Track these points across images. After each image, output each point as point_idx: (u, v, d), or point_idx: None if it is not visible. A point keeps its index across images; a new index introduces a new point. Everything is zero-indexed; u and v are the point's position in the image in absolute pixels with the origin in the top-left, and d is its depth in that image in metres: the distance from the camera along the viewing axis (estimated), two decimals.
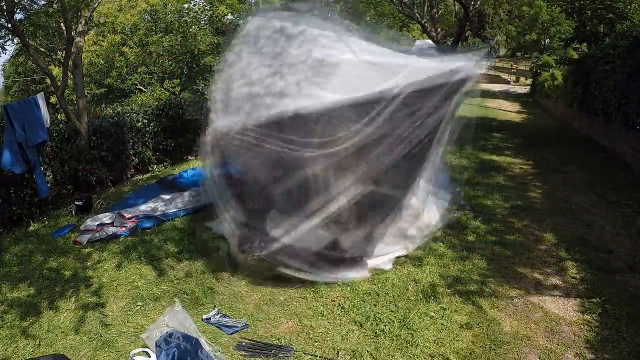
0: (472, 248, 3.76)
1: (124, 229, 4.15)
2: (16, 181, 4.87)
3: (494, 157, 7.32)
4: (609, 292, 3.05)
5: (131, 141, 6.50)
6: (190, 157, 7.88)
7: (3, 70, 30.08)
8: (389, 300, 2.98)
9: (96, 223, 4.25)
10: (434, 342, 2.54)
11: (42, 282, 3.33)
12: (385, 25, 17.50)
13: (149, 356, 2.42)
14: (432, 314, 2.81)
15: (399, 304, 2.92)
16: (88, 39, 11.55)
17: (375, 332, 2.64)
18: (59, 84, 5.72)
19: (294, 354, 2.46)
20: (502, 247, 3.80)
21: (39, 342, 2.62)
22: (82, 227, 4.23)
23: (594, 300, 2.93)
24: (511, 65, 38.37)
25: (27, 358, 2.46)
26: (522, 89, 25.30)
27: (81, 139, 5.66)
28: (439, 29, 11.57)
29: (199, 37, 7.60)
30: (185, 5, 10.76)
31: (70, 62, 5.69)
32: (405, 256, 3.60)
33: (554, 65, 16.60)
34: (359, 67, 3.39)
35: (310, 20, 3.47)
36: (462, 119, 3.96)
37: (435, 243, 3.84)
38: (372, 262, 3.44)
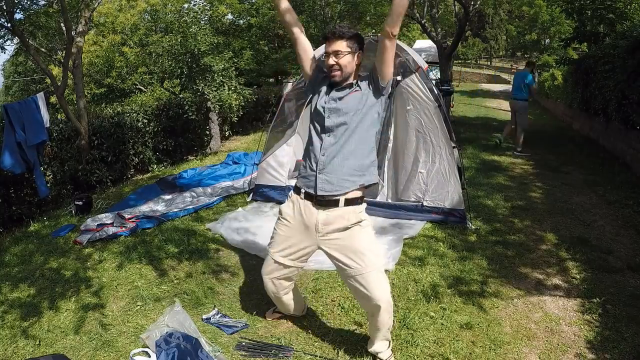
0: (473, 248, 3.76)
1: (124, 229, 4.15)
2: (16, 181, 4.87)
3: (495, 157, 7.33)
4: (609, 292, 3.05)
5: (131, 141, 6.50)
6: (190, 157, 7.88)
7: (3, 70, 30.11)
8: None
9: (96, 223, 4.25)
10: (434, 342, 2.54)
11: (42, 282, 3.33)
12: None
13: (149, 356, 2.42)
14: (432, 314, 2.81)
15: (399, 304, 2.92)
16: (88, 39, 11.56)
17: None
18: (59, 84, 5.72)
19: (294, 354, 2.46)
20: (504, 247, 3.80)
21: (39, 342, 2.62)
22: (82, 227, 4.23)
23: (594, 300, 2.93)
24: (511, 66, 38.41)
25: (27, 358, 2.45)
26: None
27: (81, 139, 5.66)
28: (439, 29, 11.55)
29: (199, 37, 7.57)
30: (185, 5, 10.76)
31: (70, 62, 5.69)
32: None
33: (554, 65, 16.60)
34: None
35: None
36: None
37: (436, 243, 3.84)
38: None
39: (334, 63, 2.06)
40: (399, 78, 4.29)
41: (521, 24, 37.30)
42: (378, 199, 4.43)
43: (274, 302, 2.64)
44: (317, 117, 2.16)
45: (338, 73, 2.07)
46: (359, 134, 2.10)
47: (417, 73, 4.22)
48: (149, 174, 6.81)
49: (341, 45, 2.05)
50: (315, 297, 3.04)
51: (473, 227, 4.16)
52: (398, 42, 4.58)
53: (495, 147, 8.09)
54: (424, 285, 3.16)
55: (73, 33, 5.68)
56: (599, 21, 10.03)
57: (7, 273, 3.52)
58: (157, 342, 2.43)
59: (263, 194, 4.94)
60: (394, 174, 4.50)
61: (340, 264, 2.16)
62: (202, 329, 2.68)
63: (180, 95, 8.30)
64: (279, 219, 2.35)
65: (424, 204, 4.30)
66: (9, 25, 5.42)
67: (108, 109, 7.86)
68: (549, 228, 4.21)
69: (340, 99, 2.11)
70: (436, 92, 4.27)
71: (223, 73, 7.84)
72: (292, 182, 4.82)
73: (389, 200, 4.46)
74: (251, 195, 5.03)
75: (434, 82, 4.59)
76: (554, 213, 4.62)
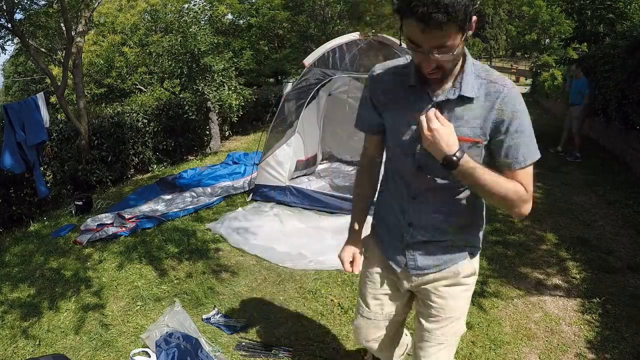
0: None
1: (124, 229, 4.16)
2: (16, 181, 4.88)
3: None
4: (609, 292, 3.05)
5: (131, 141, 6.50)
6: (190, 157, 7.88)
7: (3, 70, 30.12)
8: None
9: (96, 223, 4.25)
10: None
11: (42, 282, 3.33)
12: (385, 25, 17.49)
13: (149, 356, 2.42)
14: None
15: None
16: (88, 39, 11.56)
17: None
18: (59, 84, 5.73)
19: (294, 354, 2.46)
20: (504, 247, 3.80)
21: (39, 342, 2.62)
22: (82, 227, 4.23)
23: (594, 300, 2.93)
24: (511, 66, 38.41)
25: (27, 358, 2.46)
26: (522, 89, 25.33)
27: (81, 139, 5.67)
28: None
29: (199, 37, 7.58)
30: (185, 5, 10.77)
31: (70, 62, 5.70)
32: None
33: (554, 65, 16.60)
34: None
35: None
36: None
37: None
38: None
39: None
40: None
41: (521, 24, 37.34)
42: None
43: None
44: None
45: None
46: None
47: None
48: (148, 174, 6.81)
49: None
50: (315, 297, 3.04)
51: None
52: (397, 41, 4.58)
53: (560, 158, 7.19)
54: None
55: (73, 33, 5.69)
56: (599, 21, 10.04)
57: (7, 273, 3.53)
58: (157, 342, 2.43)
59: (263, 193, 4.94)
60: None
61: None
62: (202, 329, 2.68)
63: (180, 95, 8.30)
64: None
65: None
66: (9, 25, 5.42)
67: (108, 109, 7.87)
68: (549, 228, 4.21)
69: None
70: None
71: (223, 73, 7.84)
72: (292, 182, 4.83)
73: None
74: (251, 195, 5.03)
75: None
76: (554, 213, 4.62)
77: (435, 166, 1.30)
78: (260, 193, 4.96)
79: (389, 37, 4.69)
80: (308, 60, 4.56)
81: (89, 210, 4.89)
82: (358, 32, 4.82)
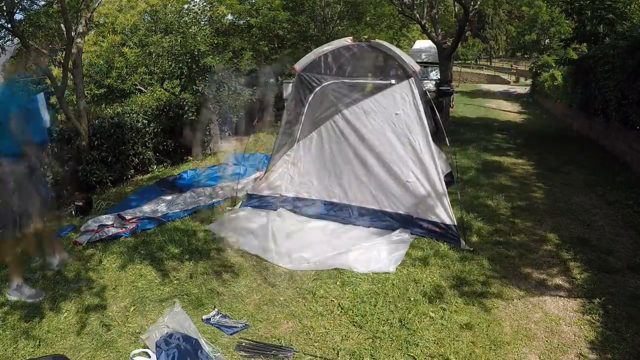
0: (475, 249, 3.75)
1: (124, 229, 4.15)
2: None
3: (496, 158, 7.33)
4: (610, 292, 3.05)
5: (131, 141, 6.51)
6: (190, 158, 7.89)
7: (3, 70, 30.12)
8: (389, 300, 2.98)
9: (97, 224, 4.25)
10: (434, 343, 2.54)
11: (43, 282, 3.33)
12: (385, 25, 17.49)
13: (149, 357, 2.43)
14: (432, 314, 2.81)
15: (399, 304, 2.92)
16: (88, 40, 11.56)
17: (375, 333, 2.64)
18: (59, 84, 5.73)
19: (294, 354, 2.46)
20: (505, 247, 3.79)
21: (39, 342, 2.62)
22: (82, 228, 4.23)
23: (595, 300, 2.93)
24: (511, 66, 38.41)
25: (27, 359, 2.46)
26: (522, 89, 25.33)
27: (81, 140, 5.67)
28: (439, 30, 11.54)
29: (199, 38, 7.60)
30: (185, 6, 10.77)
31: (70, 63, 5.70)
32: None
33: (554, 65, 16.60)
34: None
35: None
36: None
37: (437, 243, 3.84)
38: (374, 265, 3.44)
39: None
40: (393, 81, 4.18)
41: (521, 24, 37.34)
42: (367, 206, 4.20)
43: None
44: None
45: None
46: None
47: (411, 78, 4.09)
48: (149, 175, 6.82)
49: None
50: (315, 297, 3.04)
51: (466, 245, 3.77)
52: (392, 47, 4.43)
53: None
54: (424, 286, 3.16)
55: (73, 34, 5.69)
56: (598, 21, 10.02)
57: (7, 273, 3.52)
58: (157, 342, 2.43)
59: (257, 201, 4.76)
60: (383, 182, 4.22)
61: None
62: (202, 329, 2.68)
63: (180, 96, 8.30)
64: None
65: (413, 216, 4.01)
66: (9, 25, 5.43)
67: (108, 109, 7.88)
68: (549, 228, 4.21)
69: None
70: (425, 102, 4.01)
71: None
72: (288, 193, 4.66)
73: (373, 207, 4.19)
74: (240, 203, 4.82)
75: (434, 82, 4.53)
76: (554, 213, 4.62)
77: None
78: (255, 200, 4.77)
79: (382, 42, 4.45)
80: (299, 65, 4.50)
81: (89, 211, 4.89)
82: (350, 38, 4.66)
